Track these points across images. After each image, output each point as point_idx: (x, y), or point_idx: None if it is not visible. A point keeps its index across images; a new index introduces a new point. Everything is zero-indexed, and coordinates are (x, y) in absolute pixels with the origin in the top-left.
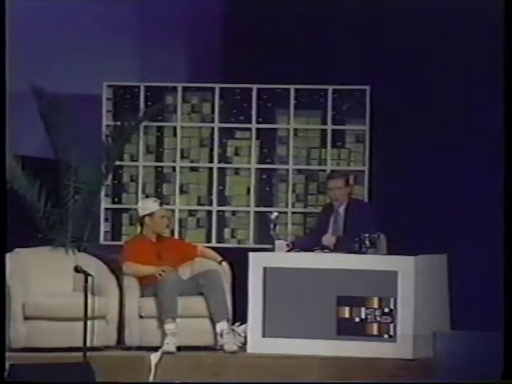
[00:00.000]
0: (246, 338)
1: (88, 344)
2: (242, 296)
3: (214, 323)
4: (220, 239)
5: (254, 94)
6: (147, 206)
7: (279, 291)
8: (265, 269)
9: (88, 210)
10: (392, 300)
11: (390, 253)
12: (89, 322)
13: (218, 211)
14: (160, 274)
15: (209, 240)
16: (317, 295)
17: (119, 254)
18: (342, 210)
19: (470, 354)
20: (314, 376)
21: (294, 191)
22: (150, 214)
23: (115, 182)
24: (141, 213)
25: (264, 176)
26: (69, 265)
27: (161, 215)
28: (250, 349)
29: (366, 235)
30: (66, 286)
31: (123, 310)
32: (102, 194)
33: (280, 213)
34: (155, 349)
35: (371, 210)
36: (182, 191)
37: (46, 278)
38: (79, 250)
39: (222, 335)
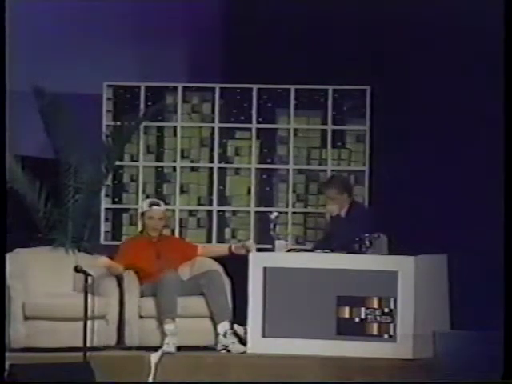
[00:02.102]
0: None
1: (88, 344)
2: (242, 296)
3: (214, 323)
4: (220, 239)
5: (254, 94)
6: (142, 205)
7: (279, 291)
8: (265, 269)
9: (88, 210)
10: (392, 300)
11: (390, 253)
12: (89, 322)
13: (219, 211)
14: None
15: (209, 240)
16: (317, 295)
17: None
18: (343, 212)
19: (470, 354)
20: (313, 376)
21: (294, 191)
22: (142, 214)
23: (115, 182)
24: (139, 211)
25: (264, 176)
26: (69, 265)
27: (148, 216)
28: (250, 349)
29: (366, 235)
30: (66, 286)
31: (123, 309)
32: (102, 194)
33: (280, 213)
34: (155, 349)
35: (369, 214)
36: (182, 191)
37: (45, 278)
38: (79, 250)
39: (225, 335)
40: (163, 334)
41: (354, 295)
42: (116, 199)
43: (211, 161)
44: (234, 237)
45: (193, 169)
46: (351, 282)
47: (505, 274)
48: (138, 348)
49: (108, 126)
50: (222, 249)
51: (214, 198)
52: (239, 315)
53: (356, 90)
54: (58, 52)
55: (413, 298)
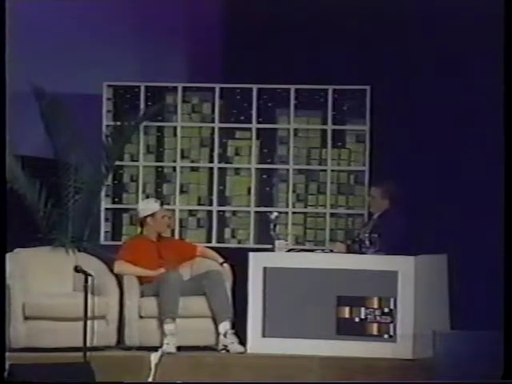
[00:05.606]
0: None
1: (88, 344)
2: (242, 296)
3: (215, 323)
4: (220, 239)
5: (254, 93)
6: (148, 206)
7: (279, 291)
8: (265, 269)
9: (88, 210)
10: (392, 300)
11: (389, 253)
12: (89, 322)
13: (219, 211)
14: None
15: (209, 240)
16: (317, 295)
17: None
18: (376, 215)
19: (469, 354)
20: (313, 376)
21: (294, 191)
22: (152, 215)
23: (115, 181)
24: (142, 213)
25: (264, 176)
26: (69, 265)
27: (162, 215)
28: (249, 349)
29: (366, 235)
30: (66, 286)
31: (123, 309)
32: (102, 194)
33: (280, 213)
34: (155, 349)
35: (400, 224)
36: (182, 191)
37: (45, 278)
38: (79, 250)
39: (225, 335)
40: (163, 334)
41: (354, 295)
42: (116, 199)
43: (211, 161)
44: (233, 237)
45: (193, 169)
46: (351, 281)
47: (505, 273)
48: (138, 348)
49: (108, 126)
50: (216, 257)
51: (214, 197)
52: (239, 315)
53: (356, 90)
54: (58, 52)
55: (413, 298)
